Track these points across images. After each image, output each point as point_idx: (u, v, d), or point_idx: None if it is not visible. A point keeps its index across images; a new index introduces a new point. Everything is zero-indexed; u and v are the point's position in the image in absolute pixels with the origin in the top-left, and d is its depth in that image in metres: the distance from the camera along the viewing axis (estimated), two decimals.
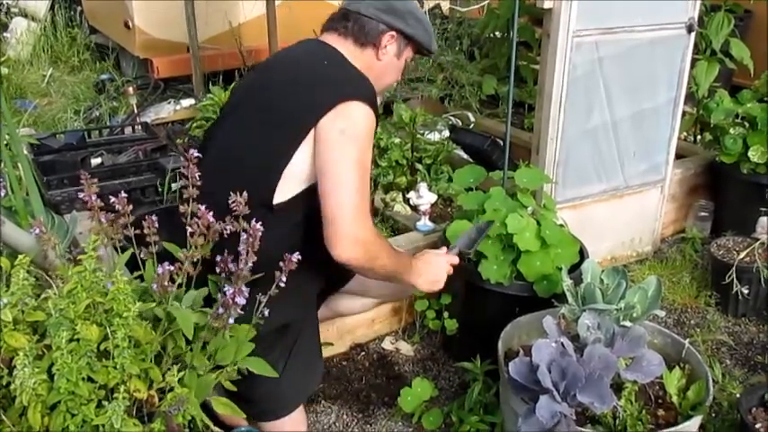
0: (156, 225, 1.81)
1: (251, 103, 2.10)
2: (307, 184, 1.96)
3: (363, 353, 2.80)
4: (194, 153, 1.78)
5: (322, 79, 2.03)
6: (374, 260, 1.93)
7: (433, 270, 2.19)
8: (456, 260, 2.25)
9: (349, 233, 1.85)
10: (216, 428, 1.85)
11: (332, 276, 2.21)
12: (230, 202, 1.72)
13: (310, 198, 1.94)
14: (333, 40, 2.11)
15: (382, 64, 2.13)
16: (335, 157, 1.88)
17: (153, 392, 1.65)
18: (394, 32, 2.11)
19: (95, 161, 3.51)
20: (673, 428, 2.05)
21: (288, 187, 1.96)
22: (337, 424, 2.47)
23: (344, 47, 2.09)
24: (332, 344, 2.71)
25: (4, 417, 1.47)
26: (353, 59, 2.08)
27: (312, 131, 1.92)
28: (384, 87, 2.28)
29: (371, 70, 2.10)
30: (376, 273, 1.98)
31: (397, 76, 2.25)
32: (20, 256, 1.63)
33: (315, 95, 1.97)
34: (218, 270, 1.76)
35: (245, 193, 1.71)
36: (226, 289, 1.68)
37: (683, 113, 3.39)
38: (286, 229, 1.97)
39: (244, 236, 1.72)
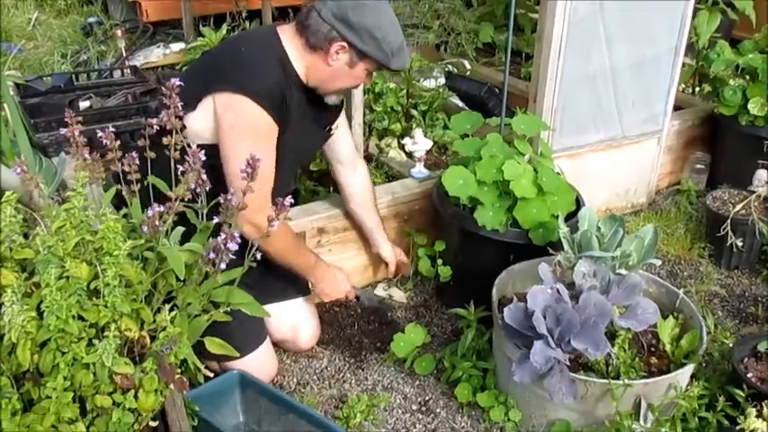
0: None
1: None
2: (203, 142, 1.97)
3: (356, 298, 2.78)
4: (175, 82, 1.73)
5: (231, 63, 2.10)
6: (265, 243, 1.99)
7: (331, 284, 2.45)
8: (352, 295, 2.55)
9: (244, 219, 1.93)
10: (207, 371, 1.85)
11: None
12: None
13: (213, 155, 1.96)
14: (289, 34, 2.16)
15: (331, 69, 2.15)
16: (229, 150, 2.02)
17: (144, 333, 1.63)
18: (345, 44, 2.10)
19: (84, 104, 3.45)
20: (665, 376, 2.06)
21: (195, 135, 1.99)
22: (329, 368, 2.48)
23: (294, 44, 2.15)
24: None
25: None
26: (300, 58, 2.14)
27: (207, 101, 2.05)
28: (336, 90, 2.28)
29: (319, 72, 2.16)
30: (272, 254, 2.18)
31: (353, 83, 2.27)
32: (7, 193, 1.60)
33: (219, 75, 2.08)
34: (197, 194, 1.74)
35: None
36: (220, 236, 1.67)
37: (683, 65, 3.34)
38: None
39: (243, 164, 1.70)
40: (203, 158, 1.69)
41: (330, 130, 2.42)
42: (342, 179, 2.62)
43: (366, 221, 2.68)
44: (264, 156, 1.97)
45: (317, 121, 2.35)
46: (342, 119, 2.50)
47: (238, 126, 1.99)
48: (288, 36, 2.16)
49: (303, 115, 2.24)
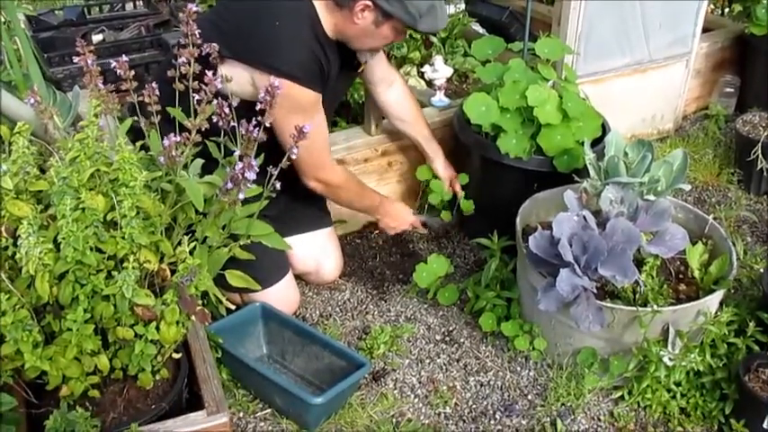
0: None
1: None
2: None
3: (377, 231, 2.76)
4: (193, 7, 1.67)
5: (264, 37, 2.02)
6: (334, 194, 2.35)
7: (397, 217, 2.50)
8: (418, 224, 2.56)
9: (310, 176, 2.21)
10: (229, 303, 1.83)
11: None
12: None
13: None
14: None
15: (358, 28, 2.07)
16: (282, 127, 1.95)
17: (164, 266, 1.61)
18: (369, 3, 2.00)
19: (97, 38, 3.38)
20: (694, 302, 2.02)
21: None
22: (352, 300, 2.46)
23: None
24: (345, 221, 2.67)
25: (12, 287, 1.43)
26: (328, 14, 2.06)
27: (238, 67, 1.98)
28: (364, 49, 2.22)
29: (346, 30, 2.09)
30: (339, 203, 2.42)
31: (381, 42, 2.18)
32: (19, 124, 1.56)
33: (252, 48, 2.01)
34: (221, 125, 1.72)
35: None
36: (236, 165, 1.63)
37: None
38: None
39: (262, 93, 1.68)
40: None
41: (361, 66, 2.34)
42: (379, 98, 2.55)
43: (413, 134, 2.62)
44: (315, 123, 2.01)
45: (351, 65, 2.28)
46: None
47: (285, 107, 1.93)
48: None
49: (337, 68, 2.18)
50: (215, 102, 1.72)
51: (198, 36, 1.73)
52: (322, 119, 2.17)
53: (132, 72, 1.74)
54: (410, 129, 2.61)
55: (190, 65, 1.73)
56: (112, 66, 1.70)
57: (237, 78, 1.96)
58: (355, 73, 2.37)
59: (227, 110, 1.73)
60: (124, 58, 1.70)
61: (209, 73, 1.69)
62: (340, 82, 2.27)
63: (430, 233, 2.69)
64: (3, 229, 1.45)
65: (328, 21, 2.07)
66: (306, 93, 2.04)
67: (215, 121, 1.75)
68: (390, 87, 2.54)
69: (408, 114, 2.59)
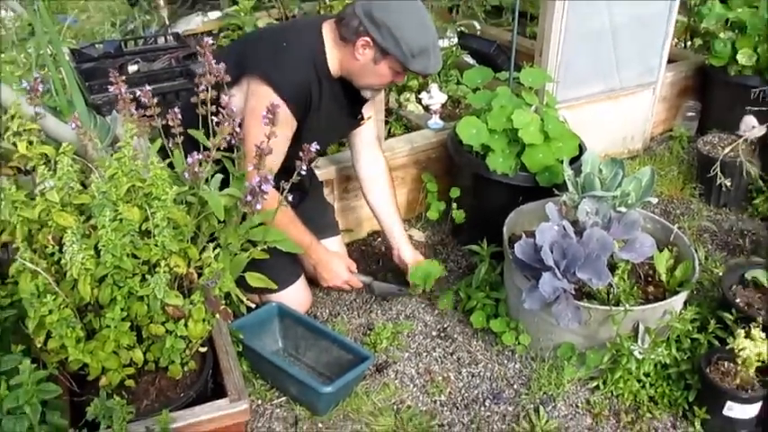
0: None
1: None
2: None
3: (380, 239, 2.76)
4: (209, 41, 1.67)
5: (269, 53, 2.01)
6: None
7: (330, 270, 2.27)
8: (357, 284, 2.33)
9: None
10: (249, 302, 1.84)
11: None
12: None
13: None
14: (330, 27, 2.05)
15: (359, 64, 2.02)
16: (247, 130, 1.90)
17: (192, 270, 1.62)
18: (369, 39, 1.97)
19: (132, 68, 3.39)
20: (661, 302, 2.02)
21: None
22: (357, 301, 2.46)
23: (332, 35, 2.04)
24: (351, 230, 2.67)
25: (58, 289, 1.43)
26: (335, 50, 2.04)
27: (243, 82, 1.99)
28: (365, 87, 2.12)
29: (349, 65, 2.05)
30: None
31: (380, 81, 2.08)
32: (63, 145, 1.57)
33: (256, 61, 2.01)
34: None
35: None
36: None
37: (676, 21, 3.21)
38: None
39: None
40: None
41: (362, 118, 2.28)
42: (358, 163, 2.42)
43: (381, 217, 2.46)
44: (279, 140, 1.81)
45: (350, 111, 2.22)
46: (371, 107, 2.33)
47: (257, 111, 1.83)
48: (329, 29, 2.05)
49: (334, 107, 2.13)
50: (226, 123, 1.72)
51: (215, 64, 1.73)
52: (283, 142, 2.00)
53: (156, 100, 1.74)
54: (380, 209, 2.44)
55: (207, 91, 1.73)
56: (137, 95, 1.70)
57: (241, 98, 1.98)
58: (355, 122, 2.28)
59: (238, 129, 1.73)
60: (148, 87, 1.71)
61: (225, 97, 1.70)
62: (333, 121, 2.18)
63: (368, 289, 2.43)
64: (50, 237, 1.46)
65: (335, 55, 2.05)
66: (282, 108, 1.89)
67: (228, 139, 1.75)
68: (375, 160, 2.41)
69: (382, 194, 2.42)
